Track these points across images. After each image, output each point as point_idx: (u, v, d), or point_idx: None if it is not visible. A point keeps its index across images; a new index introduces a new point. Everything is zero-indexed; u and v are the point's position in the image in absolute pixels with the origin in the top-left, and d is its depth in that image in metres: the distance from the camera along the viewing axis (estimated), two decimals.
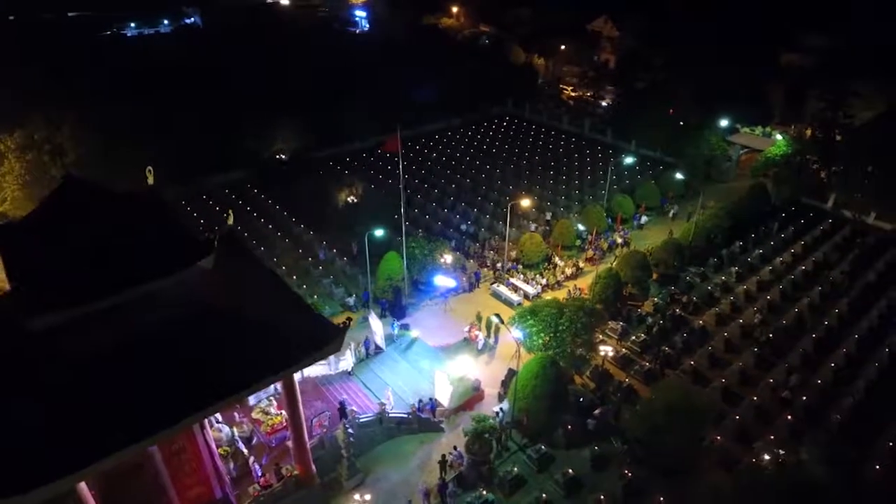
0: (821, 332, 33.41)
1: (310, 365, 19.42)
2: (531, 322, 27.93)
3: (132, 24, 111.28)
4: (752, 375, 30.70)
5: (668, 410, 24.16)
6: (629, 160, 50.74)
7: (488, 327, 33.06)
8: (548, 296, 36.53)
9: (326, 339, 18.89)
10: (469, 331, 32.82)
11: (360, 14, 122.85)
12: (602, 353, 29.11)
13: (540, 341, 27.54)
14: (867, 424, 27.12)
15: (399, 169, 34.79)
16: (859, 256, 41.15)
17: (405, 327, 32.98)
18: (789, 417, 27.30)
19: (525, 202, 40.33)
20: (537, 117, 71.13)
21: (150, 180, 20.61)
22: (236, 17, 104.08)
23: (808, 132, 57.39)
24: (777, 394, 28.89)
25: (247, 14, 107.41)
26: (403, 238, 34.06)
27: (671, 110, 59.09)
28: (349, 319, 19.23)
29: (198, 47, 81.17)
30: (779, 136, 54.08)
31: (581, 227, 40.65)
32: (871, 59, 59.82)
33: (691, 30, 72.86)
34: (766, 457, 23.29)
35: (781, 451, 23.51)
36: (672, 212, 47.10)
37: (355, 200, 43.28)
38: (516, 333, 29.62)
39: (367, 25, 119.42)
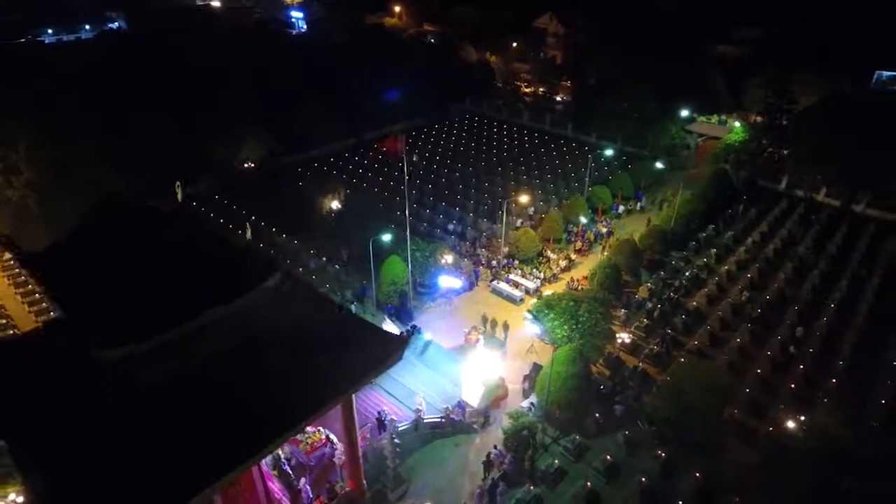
0: (801, 304, 35.93)
1: (374, 378, 18.86)
2: (551, 316, 28.36)
3: (49, 31, 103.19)
4: (751, 350, 32.63)
5: (697, 389, 25.35)
6: (609, 152, 52.05)
7: (493, 326, 33.25)
8: (546, 289, 37.32)
9: (389, 351, 18.48)
10: (469, 334, 32.64)
11: (296, 15, 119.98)
12: (619, 341, 30.00)
13: (563, 334, 28.02)
14: (860, 385, 29.52)
15: (401, 171, 34.28)
16: (819, 232, 44.54)
17: (417, 331, 32.59)
18: (792, 386, 29.27)
19: (523, 198, 40.82)
20: (498, 114, 72.03)
21: (180, 196, 19.32)
22: (166, 21, 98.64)
23: (753, 119, 61.39)
24: (784, 350, 31.54)
25: (177, 17, 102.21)
26: (408, 241, 33.66)
27: (626, 104, 61.36)
28: (413, 327, 18.85)
29: (130, 53, 76.08)
30: (737, 124, 57.54)
31: (583, 220, 41.56)
32: (801, 49, 64.66)
33: (634, 26, 75.94)
34: (791, 424, 24.82)
35: (802, 418, 25.14)
36: (640, 205, 48.96)
37: (340, 206, 42.26)
38: (534, 328, 30.24)
39: (305, 26, 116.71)
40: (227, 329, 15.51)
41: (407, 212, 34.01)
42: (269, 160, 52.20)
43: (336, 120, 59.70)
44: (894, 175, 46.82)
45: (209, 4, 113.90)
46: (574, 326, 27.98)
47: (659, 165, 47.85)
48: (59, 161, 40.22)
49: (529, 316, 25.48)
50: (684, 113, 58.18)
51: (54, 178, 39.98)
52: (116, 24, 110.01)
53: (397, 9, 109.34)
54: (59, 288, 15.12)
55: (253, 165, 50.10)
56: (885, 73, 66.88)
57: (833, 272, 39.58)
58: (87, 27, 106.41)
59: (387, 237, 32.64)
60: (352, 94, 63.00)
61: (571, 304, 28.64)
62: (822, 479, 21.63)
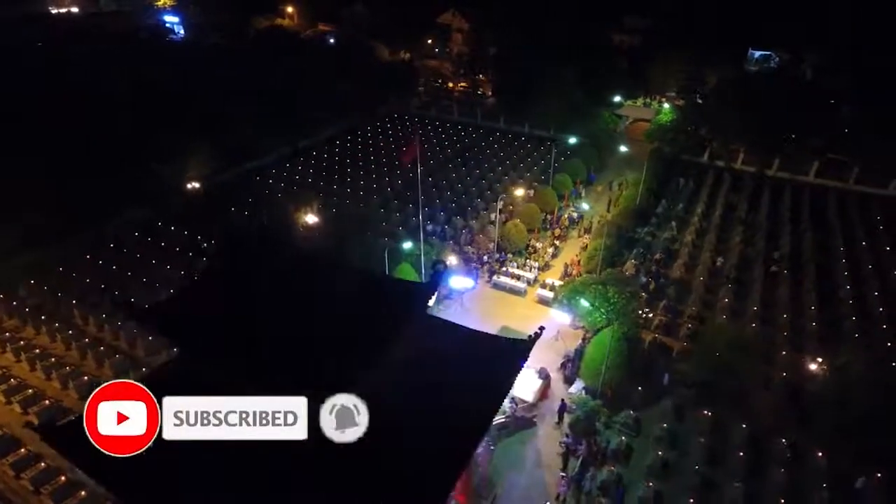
0: (760, 259, 40.34)
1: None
2: (591, 299, 29.40)
3: None
4: (738, 309, 36.12)
5: (728, 350, 27.79)
6: (573, 140, 53.85)
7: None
8: (543, 277, 38.49)
9: (518, 357, 18.28)
10: None
11: (171, 20, 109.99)
12: (643, 316, 31.82)
13: (600, 317, 29.19)
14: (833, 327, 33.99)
15: (416, 174, 33.26)
16: (749, 197, 50.19)
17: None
18: (785, 334, 32.99)
19: (518, 192, 41.36)
20: (426, 112, 71.84)
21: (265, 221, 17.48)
22: (17, 31, 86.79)
23: (660, 99, 67.24)
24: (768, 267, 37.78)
25: (30, 27, 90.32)
26: (421, 248, 32.90)
27: (546, 99, 63.78)
28: (542, 328, 18.72)
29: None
30: (666, 105, 62.62)
31: (585, 206, 43.10)
32: (684, 34, 71.53)
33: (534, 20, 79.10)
34: (813, 367, 28.03)
35: (820, 360, 28.49)
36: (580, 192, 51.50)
37: (315, 220, 39.97)
38: (562, 317, 31.22)
39: (183, 31, 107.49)
40: (396, 361, 14.48)
41: (421, 217, 33.23)
42: (209, 177, 47.97)
43: (265, 129, 56.20)
44: (789, 141, 54.24)
45: (70, 11, 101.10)
46: (608, 308, 29.24)
47: (623, 148, 50.96)
48: None
49: (583, 303, 26.15)
50: (617, 98, 62.17)
51: None
52: None
53: (289, 9, 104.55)
54: (196, 347, 13.17)
55: (198, 185, 45.68)
56: (757, 53, 76.30)
57: (775, 228, 44.92)
58: None
59: (407, 244, 31.69)
60: (273, 101, 59.33)
61: (600, 287, 29.85)
62: (857, 410, 24.85)
